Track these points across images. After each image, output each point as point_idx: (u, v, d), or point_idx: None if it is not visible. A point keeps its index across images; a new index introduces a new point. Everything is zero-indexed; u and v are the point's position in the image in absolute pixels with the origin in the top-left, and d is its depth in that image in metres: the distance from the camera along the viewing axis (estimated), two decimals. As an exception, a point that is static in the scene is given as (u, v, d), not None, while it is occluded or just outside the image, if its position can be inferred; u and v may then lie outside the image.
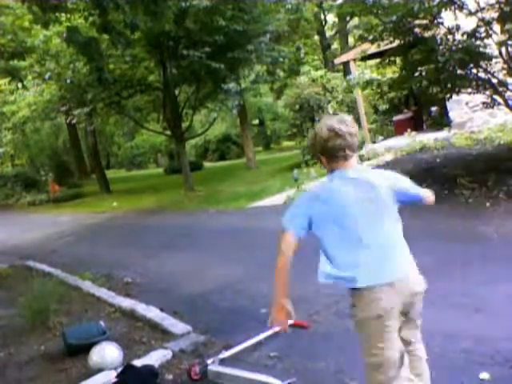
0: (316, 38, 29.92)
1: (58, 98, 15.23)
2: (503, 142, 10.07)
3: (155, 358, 3.61)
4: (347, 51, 14.88)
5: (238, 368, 3.24)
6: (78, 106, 14.35)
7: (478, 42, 7.56)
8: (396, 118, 14.69)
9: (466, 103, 9.46)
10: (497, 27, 7.59)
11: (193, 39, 12.57)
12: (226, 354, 3.49)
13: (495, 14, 7.36)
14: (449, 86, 8.43)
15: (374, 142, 13.89)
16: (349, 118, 2.31)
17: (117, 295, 5.37)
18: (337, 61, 16.35)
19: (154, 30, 11.36)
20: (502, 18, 7.29)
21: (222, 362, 3.40)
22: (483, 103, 8.50)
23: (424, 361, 2.36)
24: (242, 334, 3.93)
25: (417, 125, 13.89)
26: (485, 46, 7.60)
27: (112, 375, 3.35)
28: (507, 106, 8.08)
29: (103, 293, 5.52)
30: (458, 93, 8.59)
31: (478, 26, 7.50)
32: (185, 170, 14.96)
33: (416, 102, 14.59)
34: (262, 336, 3.67)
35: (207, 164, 25.98)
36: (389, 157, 11.70)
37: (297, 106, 15.87)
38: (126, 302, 4.98)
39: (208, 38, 12.24)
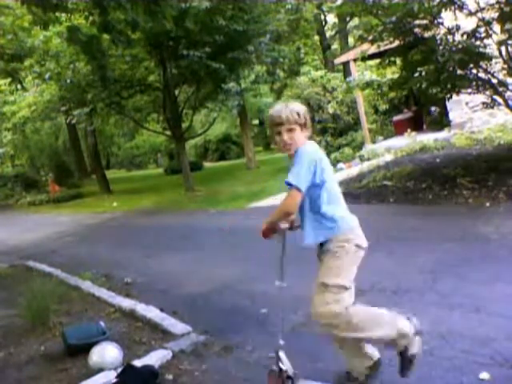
0: (316, 38, 29.92)
1: (58, 98, 15.23)
2: (503, 142, 10.08)
3: (155, 358, 3.61)
4: (347, 51, 14.86)
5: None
6: (77, 106, 14.35)
7: (478, 42, 7.57)
8: (396, 118, 14.70)
9: (466, 103, 9.48)
10: (497, 27, 7.59)
11: (193, 39, 12.56)
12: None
13: (495, 14, 7.37)
14: (449, 86, 8.43)
15: (373, 142, 13.89)
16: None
17: (117, 295, 5.36)
18: (337, 61, 16.36)
19: (154, 29, 11.36)
20: (502, 18, 7.30)
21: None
22: (483, 103, 8.50)
23: None
24: (242, 334, 3.93)
25: (417, 125, 13.90)
26: (485, 46, 7.60)
27: (112, 375, 3.35)
28: (507, 106, 8.08)
29: (103, 293, 5.52)
30: (457, 93, 8.60)
31: (477, 26, 7.51)
32: (185, 170, 14.97)
33: (416, 102, 14.61)
34: None
35: (207, 164, 25.99)
36: (389, 157, 11.71)
37: (297, 106, 15.86)
38: (126, 302, 4.98)
39: (208, 38, 12.25)
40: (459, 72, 7.99)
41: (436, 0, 7.42)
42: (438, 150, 11.19)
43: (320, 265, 2.75)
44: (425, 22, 7.97)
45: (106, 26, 7.26)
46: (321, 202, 2.63)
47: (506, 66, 7.76)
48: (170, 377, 3.40)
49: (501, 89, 7.98)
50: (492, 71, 7.95)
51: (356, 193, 8.86)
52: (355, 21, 17.16)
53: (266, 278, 5.30)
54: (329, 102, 15.45)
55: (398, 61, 9.42)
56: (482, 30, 7.53)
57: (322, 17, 27.69)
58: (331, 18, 28.67)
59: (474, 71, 8.01)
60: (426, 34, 8.20)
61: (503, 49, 7.63)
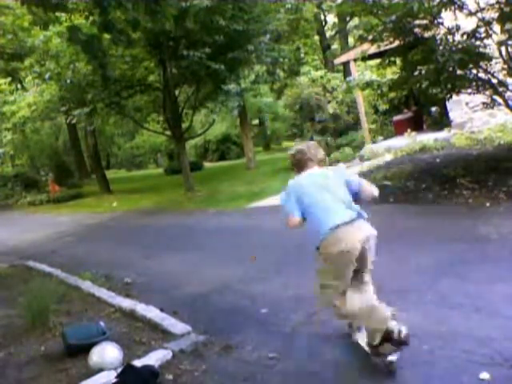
0: (316, 38, 29.92)
1: (58, 98, 15.21)
2: (503, 142, 10.08)
3: (155, 358, 3.61)
4: (347, 51, 14.85)
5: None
6: (78, 106, 14.34)
7: (478, 43, 7.57)
8: (396, 118, 14.70)
9: (466, 103, 9.48)
10: (497, 27, 7.59)
11: (193, 39, 12.56)
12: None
13: (495, 14, 7.37)
14: (449, 86, 8.43)
15: (373, 143, 13.89)
16: (312, 142, 3.72)
17: (117, 295, 5.36)
18: (337, 61, 16.35)
19: (154, 29, 11.36)
20: (502, 18, 7.29)
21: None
22: (483, 103, 8.50)
23: None
24: (242, 334, 3.93)
25: (417, 125, 13.90)
26: (485, 47, 7.60)
27: (112, 375, 3.35)
28: (507, 106, 8.08)
29: (103, 293, 5.52)
30: (457, 93, 8.60)
31: (477, 26, 7.50)
32: (185, 171, 14.96)
33: (416, 102, 14.61)
34: None
35: (207, 164, 25.99)
36: (389, 157, 11.70)
37: (297, 106, 15.89)
38: (126, 302, 4.97)
39: (208, 38, 12.23)
40: (459, 72, 7.99)
41: (436, 0, 7.42)
42: (438, 150, 11.19)
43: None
44: (425, 22, 7.97)
45: (106, 25, 7.25)
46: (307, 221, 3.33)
47: (505, 66, 7.76)
48: (170, 377, 3.40)
49: (501, 89, 7.98)
50: (492, 71, 7.94)
51: (356, 193, 8.85)
52: (355, 21, 17.17)
53: (266, 278, 5.31)
54: (329, 102, 15.46)
55: (398, 61, 9.41)
56: (482, 30, 7.53)
57: (322, 17, 27.70)
58: (331, 18, 28.70)
59: (474, 71, 8.01)
60: (426, 34, 8.19)
61: (503, 49, 7.63)
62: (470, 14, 7.54)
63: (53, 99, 15.60)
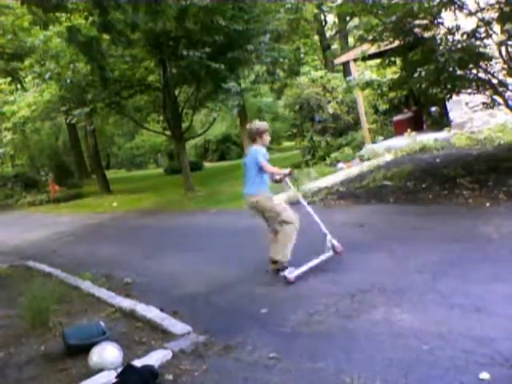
0: (316, 38, 29.92)
1: (58, 98, 15.21)
2: (503, 142, 10.08)
3: (155, 358, 3.61)
4: (347, 51, 14.84)
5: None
6: (78, 106, 14.33)
7: (478, 43, 7.57)
8: (396, 118, 14.69)
9: (466, 103, 9.48)
10: (497, 27, 7.59)
11: (193, 39, 12.56)
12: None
13: (495, 15, 7.37)
14: (449, 86, 8.43)
15: (373, 143, 13.89)
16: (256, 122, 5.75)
17: (117, 295, 5.36)
18: (337, 61, 16.35)
19: (154, 29, 11.35)
20: (502, 19, 7.30)
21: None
22: (483, 103, 8.50)
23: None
24: (242, 334, 3.93)
25: (417, 125, 13.89)
26: (485, 47, 7.60)
27: (112, 375, 3.35)
28: (507, 106, 8.08)
29: (103, 293, 5.52)
30: (458, 93, 8.60)
31: (477, 26, 7.50)
32: (185, 170, 14.96)
33: (416, 102, 14.59)
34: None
35: (207, 164, 25.98)
36: (389, 157, 11.70)
37: (297, 106, 15.87)
38: (126, 303, 4.98)
39: (208, 38, 12.23)
40: (459, 72, 7.99)
41: (436, 0, 7.42)
42: (438, 150, 11.19)
43: None
44: (425, 22, 7.97)
45: (105, 26, 7.27)
46: None
47: (505, 66, 7.76)
48: (170, 377, 3.40)
49: (501, 89, 7.98)
50: (492, 71, 7.94)
51: (356, 193, 8.86)
52: (355, 21, 17.17)
53: (266, 278, 5.31)
54: (329, 102, 15.43)
55: (398, 61, 9.42)
56: (482, 30, 7.53)
57: (322, 17, 27.69)
58: (331, 18, 28.70)
59: (474, 71, 8.01)
60: (426, 34, 8.19)
61: (503, 49, 7.63)
62: (470, 14, 7.53)
63: (53, 99, 15.59)
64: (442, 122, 12.71)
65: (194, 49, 12.14)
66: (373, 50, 9.39)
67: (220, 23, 11.94)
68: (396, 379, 2.90)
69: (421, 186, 8.11)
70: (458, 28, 7.63)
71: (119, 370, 3.38)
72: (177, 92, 15.06)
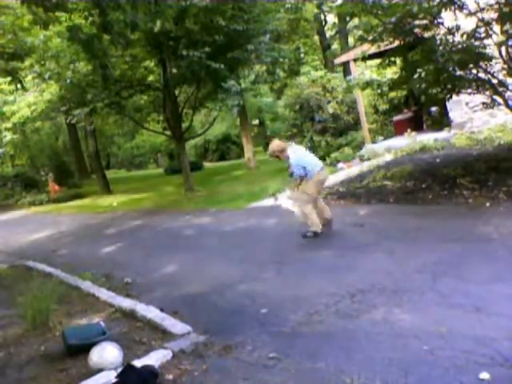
0: (316, 38, 29.91)
1: (58, 98, 15.21)
2: (503, 142, 10.09)
3: (155, 358, 3.61)
4: (347, 51, 14.85)
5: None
6: (78, 106, 14.33)
7: (478, 43, 7.57)
8: (396, 118, 14.69)
9: (466, 103, 9.47)
10: (496, 28, 7.59)
11: (193, 39, 12.55)
12: None
13: (495, 15, 7.37)
14: (449, 86, 8.44)
15: (373, 143, 13.89)
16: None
17: (117, 295, 5.36)
18: (337, 61, 16.33)
19: (154, 29, 11.35)
20: (502, 19, 7.30)
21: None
22: (483, 103, 8.50)
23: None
24: (241, 334, 3.93)
25: (417, 125, 13.89)
26: (484, 47, 7.60)
27: (112, 375, 3.35)
28: (507, 106, 8.08)
29: (103, 293, 5.52)
30: (457, 93, 8.60)
31: (477, 27, 7.50)
32: (185, 170, 14.96)
33: (416, 102, 14.58)
34: None
35: (207, 164, 25.97)
36: (389, 157, 11.71)
37: (297, 106, 15.88)
38: (126, 303, 4.98)
39: (208, 37, 12.23)
40: (459, 72, 7.99)
41: (436, 0, 7.42)
42: (438, 150, 11.19)
43: None
44: (425, 22, 7.96)
45: (105, 26, 7.27)
46: None
47: (505, 67, 7.76)
48: (170, 377, 3.40)
49: (501, 89, 7.98)
50: (492, 71, 7.94)
51: (356, 193, 8.86)
52: (355, 21, 17.15)
53: (266, 278, 5.31)
54: (329, 101, 15.44)
55: (398, 61, 9.41)
56: (482, 30, 7.53)
57: (322, 17, 27.68)
58: (331, 18, 28.67)
59: (474, 71, 8.01)
60: (426, 34, 8.19)
61: (503, 49, 7.63)
62: (470, 14, 7.53)
63: (53, 99, 15.59)
64: (442, 122, 12.70)
65: (193, 49, 12.14)
66: (373, 50, 9.39)
67: (220, 23, 11.94)
68: (396, 379, 2.90)
69: (421, 186, 8.11)
70: (457, 28, 7.63)
71: (119, 370, 3.38)
72: (177, 92, 15.05)
